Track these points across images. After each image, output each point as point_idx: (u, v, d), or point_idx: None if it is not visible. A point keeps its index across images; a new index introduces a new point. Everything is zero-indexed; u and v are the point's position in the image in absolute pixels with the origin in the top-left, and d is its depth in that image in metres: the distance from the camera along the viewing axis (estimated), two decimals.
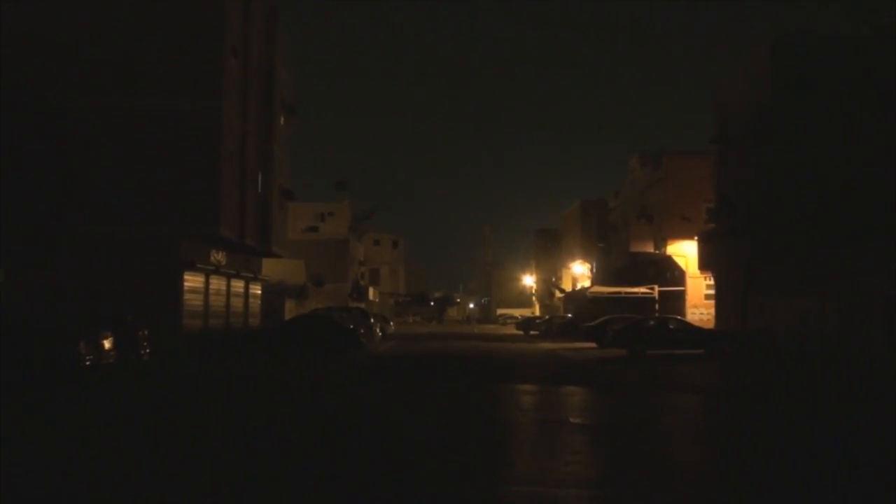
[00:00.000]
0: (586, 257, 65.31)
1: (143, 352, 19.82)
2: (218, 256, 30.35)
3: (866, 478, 8.19)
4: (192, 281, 27.95)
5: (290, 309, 43.39)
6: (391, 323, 52.70)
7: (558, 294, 70.27)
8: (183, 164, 26.67)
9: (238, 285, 33.47)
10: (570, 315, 53.06)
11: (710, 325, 36.47)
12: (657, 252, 44.22)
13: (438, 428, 11.30)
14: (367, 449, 9.50)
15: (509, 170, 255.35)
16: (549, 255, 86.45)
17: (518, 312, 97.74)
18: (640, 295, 43.82)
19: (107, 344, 17.03)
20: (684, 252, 41.47)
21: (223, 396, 14.88)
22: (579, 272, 67.78)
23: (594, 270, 63.15)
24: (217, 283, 30.74)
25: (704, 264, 38.19)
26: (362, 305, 59.51)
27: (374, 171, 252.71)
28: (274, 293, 40.12)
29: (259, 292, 36.68)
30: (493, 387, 17.12)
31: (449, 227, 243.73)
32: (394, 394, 15.76)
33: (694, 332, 28.46)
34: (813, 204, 28.67)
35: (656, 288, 43.16)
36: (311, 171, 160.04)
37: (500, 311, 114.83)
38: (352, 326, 30.03)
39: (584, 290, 55.90)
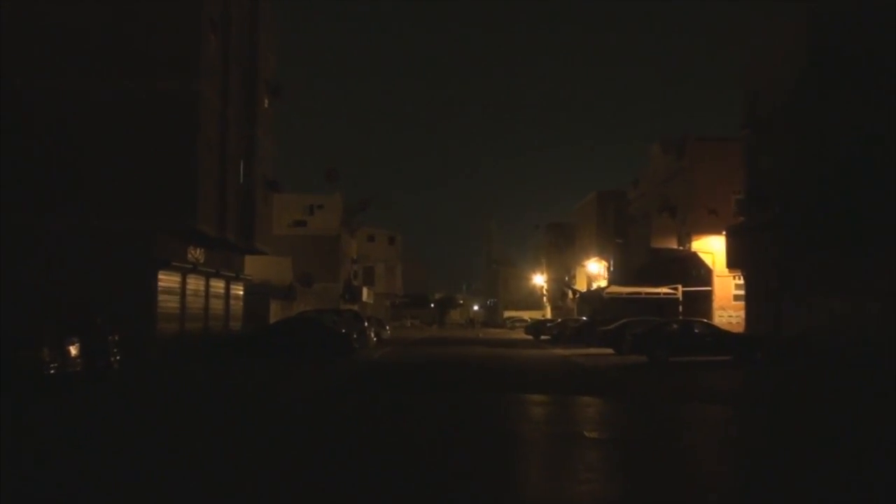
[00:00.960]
0: (603, 254, 65.27)
1: (112, 359, 19.80)
2: (195, 253, 30.34)
3: None
4: (166, 280, 27.94)
5: (275, 311, 43.41)
6: (387, 327, 52.77)
7: (571, 295, 70.29)
8: (156, 152, 26.64)
9: (218, 285, 33.48)
10: (584, 318, 53.02)
11: (740, 328, 36.42)
12: (681, 248, 44.16)
13: (439, 442, 11.29)
14: (361, 466, 9.49)
15: (518, 158, 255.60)
16: (562, 252, 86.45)
17: (527, 315, 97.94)
18: (662, 296, 43.79)
19: (73, 350, 17.01)
20: (711, 248, 41.41)
21: (199, 409, 14.86)
22: (595, 271, 67.73)
23: (611, 269, 63.10)
24: (195, 283, 30.74)
25: (733, 262, 38.13)
26: (355, 307, 59.56)
27: (369, 160, 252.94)
28: (257, 294, 40.14)
29: (241, 293, 36.69)
30: (500, 397, 17.14)
31: (451, 222, 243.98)
32: (390, 405, 15.75)
33: (722, 337, 28.43)
34: (855, 194, 28.55)
35: (680, 288, 43.12)
36: (299, 160, 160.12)
37: (507, 314, 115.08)
38: (344, 331, 30.03)
39: (600, 290, 55.90)
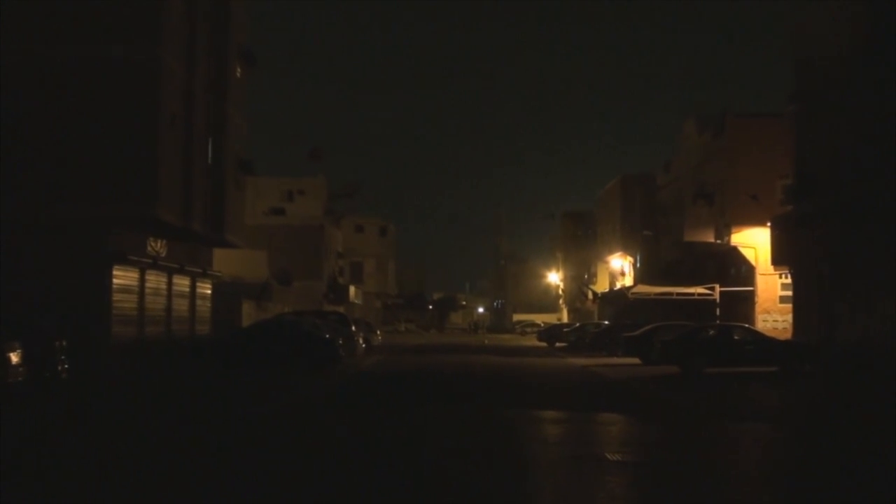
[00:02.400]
0: (628, 248, 65.29)
1: (60, 367, 19.82)
2: (156, 246, 30.32)
3: None
4: (122, 277, 27.92)
5: (248, 313, 43.40)
6: (378, 331, 52.80)
7: (591, 296, 70.36)
8: (110, 128, 26.55)
9: (182, 283, 33.47)
10: (606, 322, 53.06)
11: (787, 335, 36.43)
12: (719, 242, 44.13)
13: (438, 466, 11.29)
14: (344, 498, 9.48)
15: (530, 139, 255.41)
16: (581, 246, 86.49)
17: (540, 319, 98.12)
18: (696, 297, 43.81)
19: (14, 358, 17.01)
20: (754, 242, 41.38)
21: (155, 428, 14.86)
22: (619, 267, 67.72)
23: (638, 265, 63.11)
24: (155, 280, 30.73)
25: (780, 257, 38.09)
26: (341, 309, 59.54)
27: (359, 141, 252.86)
28: (228, 293, 40.13)
29: (209, 292, 36.68)
30: (509, 414, 17.18)
31: (452, 212, 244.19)
32: (381, 424, 15.77)
33: (766, 345, 28.46)
34: None
35: (717, 288, 43.14)
36: (276, 138, 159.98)
37: (516, 317, 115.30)
38: (328, 336, 30.04)
39: (624, 290, 55.90)
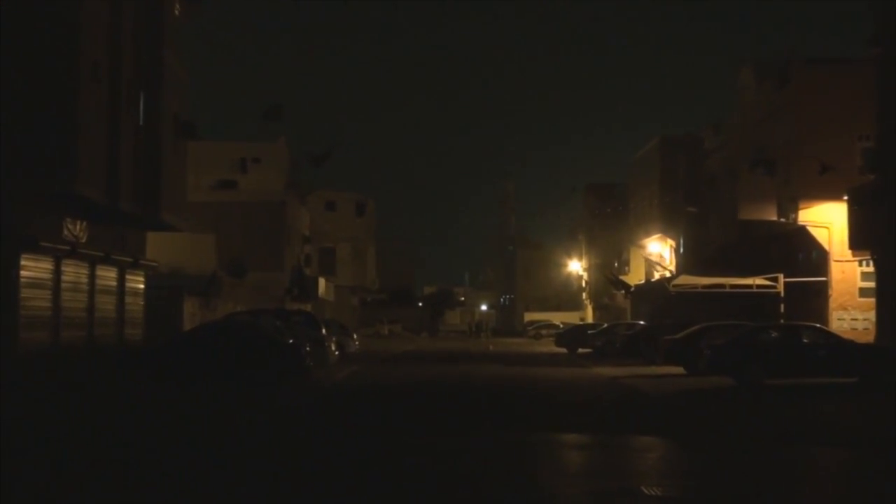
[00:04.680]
0: (668, 229, 65.31)
1: None
2: (75, 229, 30.24)
3: None
4: (32, 268, 27.84)
5: (191, 313, 43.36)
6: (354, 335, 52.82)
7: (622, 290, 70.40)
8: (17, 82, 26.47)
9: (108, 275, 33.39)
10: (641, 322, 53.08)
11: (869, 337, 36.49)
12: (783, 220, 44.14)
13: None
14: None
15: (547, 95, 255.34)
16: (609, 227, 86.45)
17: (559, 318, 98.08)
18: (754, 290, 43.83)
19: None
20: (827, 220, 41.39)
21: (65, 463, 14.77)
22: (657, 253, 67.71)
23: (681, 250, 63.13)
24: (74, 272, 30.64)
25: (860, 240, 38.10)
26: (308, 308, 59.48)
27: (330, 99, 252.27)
28: (166, 288, 40.08)
29: (141, 287, 36.59)
30: (522, 438, 17.23)
31: (449, 185, 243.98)
32: (362, 455, 15.74)
33: (842, 350, 28.45)
34: None
35: (781, 278, 43.17)
36: (226, 94, 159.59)
37: (528, 317, 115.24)
38: (291, 341, 30.00)
39: (664, 281, 55.94)
